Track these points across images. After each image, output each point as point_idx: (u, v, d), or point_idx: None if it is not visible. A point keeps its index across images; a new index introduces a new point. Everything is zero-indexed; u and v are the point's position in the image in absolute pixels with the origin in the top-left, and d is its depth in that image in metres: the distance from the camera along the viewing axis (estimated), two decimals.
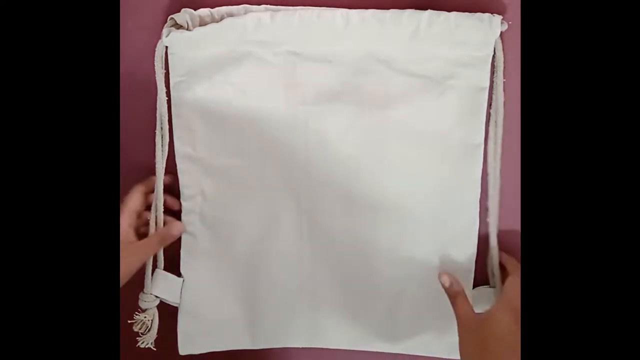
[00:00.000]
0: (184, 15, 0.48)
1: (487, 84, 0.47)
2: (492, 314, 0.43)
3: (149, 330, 0.50)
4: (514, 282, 0.45)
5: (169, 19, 0.49)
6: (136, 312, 0.50)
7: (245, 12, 0.48)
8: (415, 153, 0.48)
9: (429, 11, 0.46)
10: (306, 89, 0.49)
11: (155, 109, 0.50)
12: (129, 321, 0.50)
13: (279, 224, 0.50)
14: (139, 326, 0.49)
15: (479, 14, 0.46)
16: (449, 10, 0.47)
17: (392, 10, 0.47)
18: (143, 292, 0.50)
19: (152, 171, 0.51)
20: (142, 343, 0.50)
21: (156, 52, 0.48)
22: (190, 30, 0.49)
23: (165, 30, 0.48)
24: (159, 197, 0.50)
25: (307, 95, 0.49)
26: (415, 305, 0.50)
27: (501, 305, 0.43)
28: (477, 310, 0.48)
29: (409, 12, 0.46)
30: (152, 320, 0.50)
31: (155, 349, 0.50)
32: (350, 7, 0.47)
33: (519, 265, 0.47)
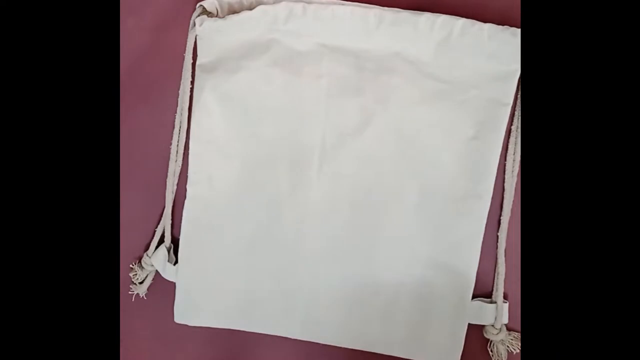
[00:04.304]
0: (213, 2, 0.48)
1: (511, 100, 0.47)
2: None
3: (141, 283, 0.53)
4: None
5: (197, 6, 0.48)
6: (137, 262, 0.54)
7: (275, 1, 0.48)
8: (430, 156, 0.48)
9: (463, 20, 0.46)
10: (330, 81, 0.48)
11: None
12: (130, 266, 0.54)
13: (283, 215, 0.50)
14: (135, 276, 0.53)
15: (513, 28, 0.46)
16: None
17: (426, 14, 0.46)
18: (146, 255, 0.52)
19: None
20: (133, 291, 0.53)
21: (187, 42, 0.49)
22: (220, 17, 0.48)
23: (197, 20, 0.48)
24: (172, 185, 0.51)
25: (330, 88, 0.49)
26: (412, 309, 0.50)
27: None
28: (473, 322, 0.49)
29: (444, 18, 0.46)
30: (146, 277, 0.53)
31: (145, 298, 0.53)
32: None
33: None
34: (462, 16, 0.46)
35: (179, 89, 0.51)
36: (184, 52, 0.49)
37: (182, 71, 0.50)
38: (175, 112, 0.51)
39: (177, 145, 0.51)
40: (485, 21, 0.46)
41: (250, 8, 0.48)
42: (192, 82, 0.50)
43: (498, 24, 0.46)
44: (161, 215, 0.52)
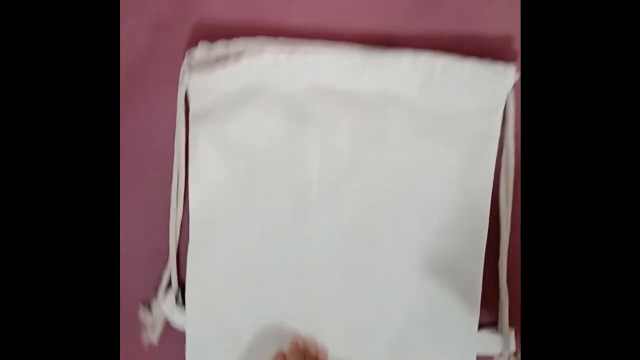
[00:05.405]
0: (202, 51, 0.49)
1: (498, 134, 0.48)
2: None
3: (152, 329, 0.53)
4: None
5: (186, 53, 0.49)
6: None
7: (261, 47, 0.49)
8: (423, 190, 0.49)
9: (445, 58, 0.47)
10: (323, 121, 0.49)
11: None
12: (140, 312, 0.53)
13: (284, 256, 0.51)
14: (146, 322, 0.53)
15: (494, 65, 0.47)
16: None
17: (408, 54, 0.48)
18: (156, 300, 0.53)
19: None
20: (145, 337, 0.53)
21: (178, 94, 0.50)
22: (207, 62, 0.50)
23: (186, 69, 0.50)
24: (175, 228, 0.52)
25: (323, 128, 0.49)
26: (421, 344, 0.50)
27: None
28: (480, 352, 0.49)
29: (425, 58, 0.47)
30: (155, 324, 0.53)
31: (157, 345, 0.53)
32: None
33: None
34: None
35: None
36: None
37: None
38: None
39: (177, 188, 0.51)
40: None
41: (238, 55, 0.49)
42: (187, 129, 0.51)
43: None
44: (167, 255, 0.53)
